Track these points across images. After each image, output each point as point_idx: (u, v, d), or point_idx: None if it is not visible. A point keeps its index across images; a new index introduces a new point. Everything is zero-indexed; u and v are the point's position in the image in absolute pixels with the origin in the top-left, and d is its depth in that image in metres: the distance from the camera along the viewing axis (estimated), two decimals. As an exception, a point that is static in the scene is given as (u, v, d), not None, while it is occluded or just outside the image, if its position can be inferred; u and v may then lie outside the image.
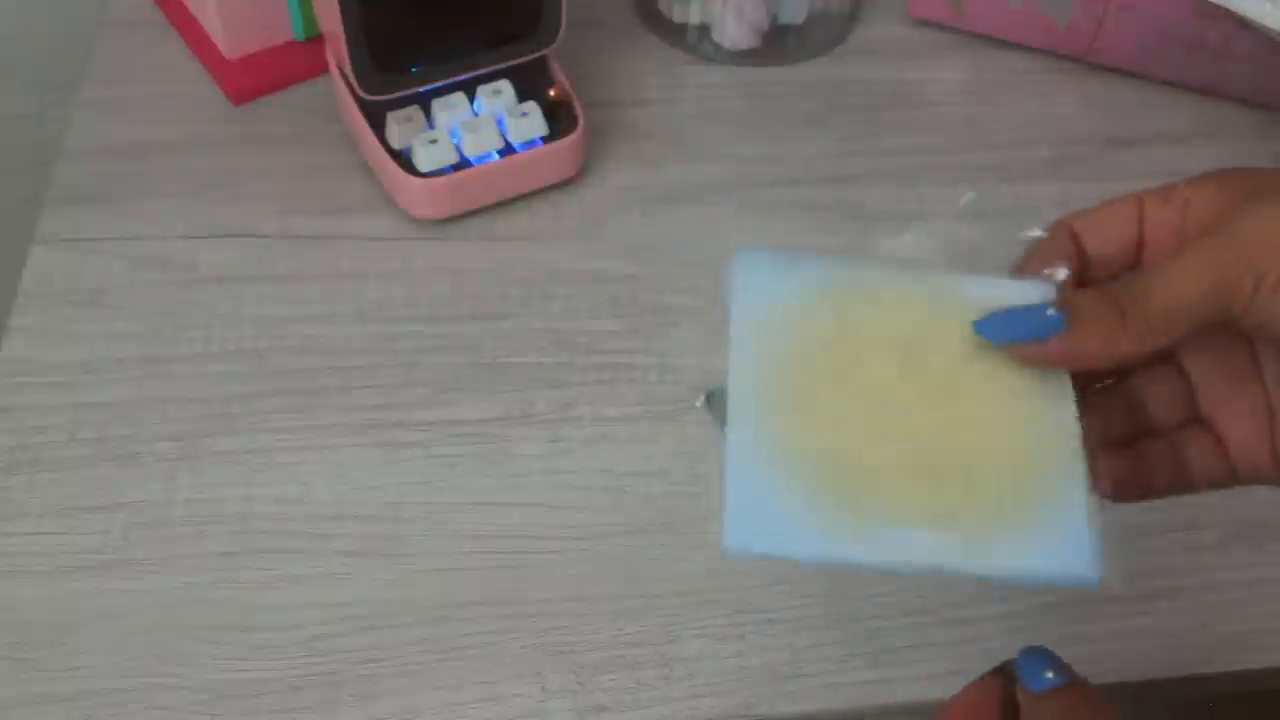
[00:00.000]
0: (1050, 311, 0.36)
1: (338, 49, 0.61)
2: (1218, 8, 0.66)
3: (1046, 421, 0.37)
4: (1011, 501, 0.36)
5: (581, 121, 0.65)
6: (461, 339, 0.60)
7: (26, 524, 0.53)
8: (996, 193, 0.68)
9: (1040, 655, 0.37)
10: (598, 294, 0.62)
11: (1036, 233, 0.40)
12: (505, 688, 0.50)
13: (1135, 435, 0.41)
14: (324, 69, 0.67)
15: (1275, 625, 0.53)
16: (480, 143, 0.63)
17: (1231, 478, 0.41)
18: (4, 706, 0.48)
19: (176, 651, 0.50)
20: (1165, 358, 0.41)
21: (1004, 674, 0.38)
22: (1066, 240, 0.40)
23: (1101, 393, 0.41)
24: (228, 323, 0.60)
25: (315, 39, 0.70)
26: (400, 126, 0.63)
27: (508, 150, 0.64)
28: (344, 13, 0.58)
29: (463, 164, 0.63)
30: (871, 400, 0.37)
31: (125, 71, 0.70)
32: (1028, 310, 0.37)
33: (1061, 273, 0.39)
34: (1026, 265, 0.40)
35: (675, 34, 0.74)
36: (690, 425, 0.57)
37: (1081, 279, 0.39)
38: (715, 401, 0.57)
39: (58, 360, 0.58)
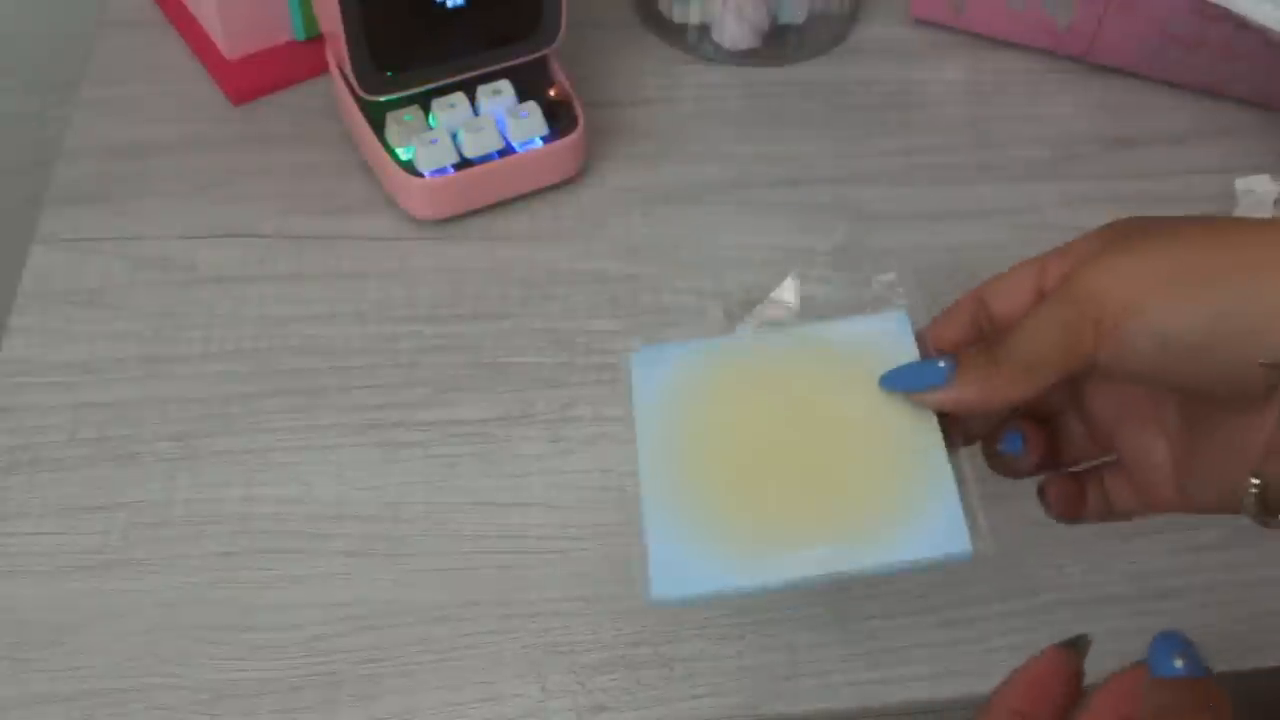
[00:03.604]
0: (940, 364, 0.41)
1: (338, 49, 0.61)
2: (1218, 8, 0.66)
3: (911, 433, 0.42)
4: (886, 503, 0.41)
5: (581, 121, 0.65)
6: (461, 339, 0.60)
7: (26, 524, 0.53)
8: (997, 192, 0.68)
9: (1174, 642, 0.36)
10: (598, 294, 0.62)
11: (887, 277, 0.45)
12: (505, 688, 0.50)
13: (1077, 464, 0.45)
14: (324, 69, 0.67)
15: (1275, 625, 0.53)
16: (480, 143, 0.63)
17: (1144, 510, 0.44)
18: (4, 706, 0.48)
19: (176, 651, 0.50)
20: (1077, 400, 0.45)
21: (1072, 649, 0.38)
22: (968, 308, 0.43)
23: (1052, 425, 0.45)
24: (228, 323, 0.60)
25: (315, 39, 0.70)
26: (400, 126, 0.63)
27: (508, 150, 0.64)
28: (344, 13, 0.58)
29: (463, 164, 0.63)
30: (758, 444, 0.43)
31: (125, 71, 0.70)
32: (922, 364, 0.43)
33: (892, 278, 0.46)
34: (934, 329, 0.44)
35: (675, 34, 0.74)
36: (690, 425, 0.57)
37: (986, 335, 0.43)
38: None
39: (58, 360, 0.58)
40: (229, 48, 0.69)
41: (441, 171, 0.62)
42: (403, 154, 0.63)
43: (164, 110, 0.69)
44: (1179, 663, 0.35)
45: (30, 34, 0.87)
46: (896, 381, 0.43)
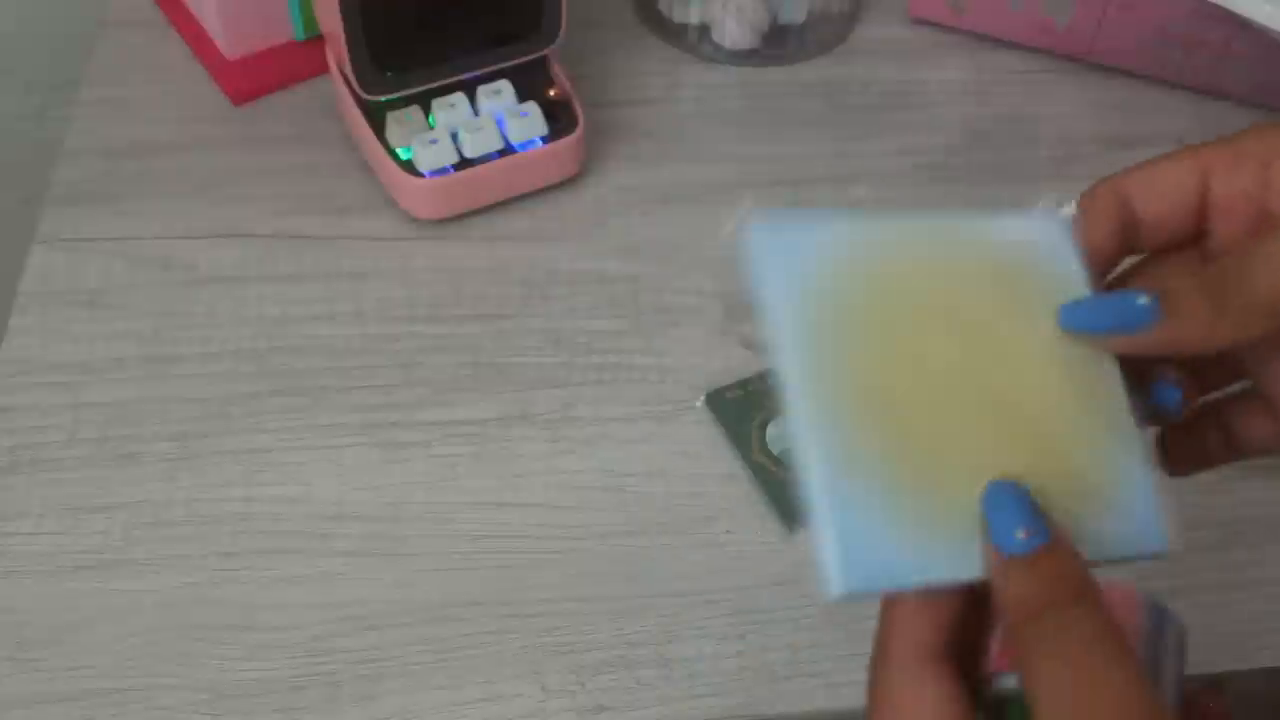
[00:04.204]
0: (1141, 300, 0.33)
1: (338, 49, 0.61)
2: (1218, 8, 0.66)
3: (1095, 384, 0.35)
4: (1084, 479, 0.34)
5: (581, 121, 0.65)
6: (461, 339, 0.60)
7: (26, 524, 0.53)
8: (997, 193, 0.68)
9: (1008, 498, 0.32)
10: (598, 294, 0.62)
11: (1070, 209, 0.37)
12: (505, 688, 0.50)
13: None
14: (324, 69, 0.67)
15: (1275, 625, 0.53)
16: (480, 143, 0.63)
17: None
18: (5, 706, 0.48)
19: (176, 651, 0.50)
20: None
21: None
22: (1111, 204, 0.37)
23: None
24: (228, 323, 0.60)
25: (315, 39, 0.70)
26: (400, 126, 0.63)
27: (508, 150, 0.64)
28: (344, 13, 0.58)
29: (463, 164, 0.63)
30: (934, 380, 0.34)
31: (125, 71, 0.70)
32: (1117, 299, 0.35)
33: (1068, 209, 0.37)
34: (1082, 233, 0.37)
35: (675, 34, 0.74)
36: (690, 425, 0.57)
37: (1133, 247, 0.37)
38: (714, 400, 0.58)
39: (58, 360, 0.58)
40: (229, 48, 0.69)
41: (441, 171, 0.62)
42: (403, 154, 0.63)
43: (164, 110, 0.69)
44: (1021, 534, 0.31)
45: (30, 34, 0.87)
46: (1085, 319, 0.35)
